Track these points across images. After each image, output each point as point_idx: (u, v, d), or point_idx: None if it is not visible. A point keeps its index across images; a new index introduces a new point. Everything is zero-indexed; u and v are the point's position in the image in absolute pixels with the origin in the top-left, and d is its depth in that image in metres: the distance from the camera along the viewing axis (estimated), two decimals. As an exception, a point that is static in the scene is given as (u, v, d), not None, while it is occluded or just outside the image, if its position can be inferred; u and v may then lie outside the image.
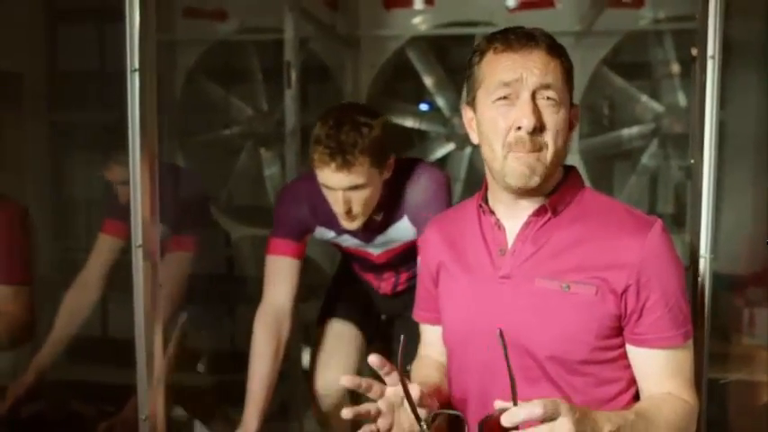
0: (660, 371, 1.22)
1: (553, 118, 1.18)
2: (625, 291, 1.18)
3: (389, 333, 2.19)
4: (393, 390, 1.12)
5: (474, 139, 1.28)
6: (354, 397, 2.07)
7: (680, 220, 3.03)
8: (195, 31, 3.37)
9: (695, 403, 1.23)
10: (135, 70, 1.38)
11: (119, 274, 2.17)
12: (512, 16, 3.05)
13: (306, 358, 2.76)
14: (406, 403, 1.08)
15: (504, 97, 1.19)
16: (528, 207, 1.25)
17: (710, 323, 1.45)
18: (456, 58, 3.34)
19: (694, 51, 1.46)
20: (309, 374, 2.08)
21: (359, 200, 1.67)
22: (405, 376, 1.08)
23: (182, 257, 2.15)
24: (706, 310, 1.43)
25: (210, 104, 3.46)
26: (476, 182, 1.32)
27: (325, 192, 1.69)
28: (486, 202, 1.31)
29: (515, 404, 0.94)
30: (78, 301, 2.21)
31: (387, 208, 1.80)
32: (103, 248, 2.23)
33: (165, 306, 1.53)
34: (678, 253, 1.23)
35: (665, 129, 3.07)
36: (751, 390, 2.31)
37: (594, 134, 3.22)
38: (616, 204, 1.29)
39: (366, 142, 1.61)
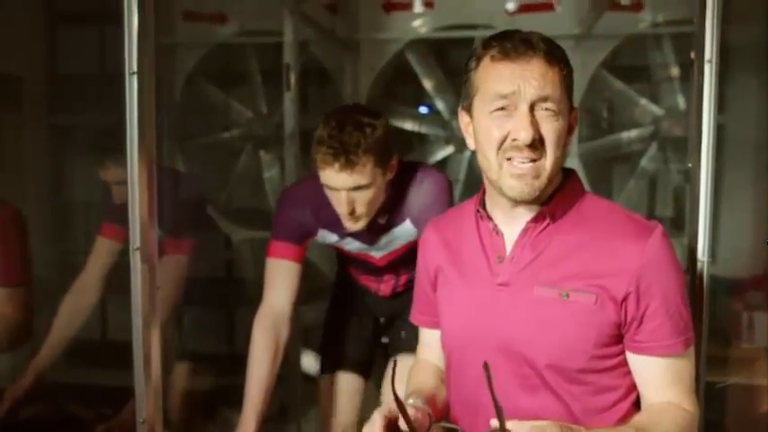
0: (660, 378, 1.20)
1: (551, 129, 1.16)
2: (625, 298, 1.17)
3: (388, 334, 2.19)
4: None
5: (471, 144, 1.26)
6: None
7: (679, 223, 3.02)
8: (195, 34, 3.37)
9: (695, 412, 1.22)
10: (133, 73, 1.38)
11: (117, 277, 2.18)
12: (511, 19, 3.06)
13: (305, 361, 2.77)
14: (403, 424, 1.10)
15: (502, 108, 1.16)
16: (526, 213, 1.23)
17: (709, 327, 1.45)
18: (455, 61, 3.34)
19: (693, 55, 1.47)
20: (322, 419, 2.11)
21: (362, 200, 1.66)
22: (399, 398, 1.10)
23: (178, 260, 2.15)
24: (704, 313, 1.43)
25: (210, 107, 3.47)
26: (475, 184, 1.32)
27: (329, 193, 1.69)
28: (484, 206, 1.29)
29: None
30: (77, 304, 2.21)
31: (390, 211, 1.79)
32: (102, 252, 2.23)
33: (162, 309, 1.53)
34: (678, 257, 1.22)
35: (663, 132, 3.07)
36: (750, 394, 2.31)
37: (594, 137, 3.22)
38: (616, 209, 1.27)
39: (369, 142, 1.61)
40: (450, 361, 1.35)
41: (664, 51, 3.06)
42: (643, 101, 3.11)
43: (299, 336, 2.69)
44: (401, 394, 1.43)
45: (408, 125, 3.32)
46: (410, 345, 1.59)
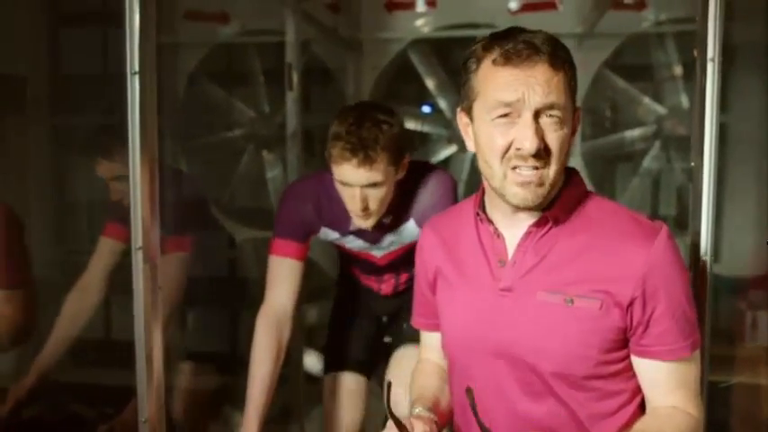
0: (666, 382, 1.18)
1: (556, 138, 1.13)
2: (631, 303, 1.14)
3: (391, 333, 2.19)
4: None
5: (470, 147, 1.23)
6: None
7: (682, 222, 3.02)
8: (197, 34, 3.37)
9: (700, 416, 1.20)
10: (135, 73, 1.38)
11: (120, 277, 2.18)
12: (514, 18, 3.05)
13: (308, 360, 2.77)
14: None
15: (505, 115, 1.12)
16: (528, 217, 1.20)
17: (712, 326, 1.44)
18: (458, 60, 3.29)
19: (696, 53, 1.46)
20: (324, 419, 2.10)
21: (375, 197, 1.66)
22: (400, 420, 1.11)
23: (179, 258, 2.15)
24: (707, 312, 1.43)
25: (213, 107, 3.47)
26: (477, 184, 1.30)
27: (341, 189, 1.68)
28: (484, 209, 1.26)
29: None
30: (79, 304, 2.22)
31: (395, 210, 1.79)
32: (104, 251, 2.23)
33: (164, 306, 1.53)
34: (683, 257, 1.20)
35: (667, 131, 3.06)
36: (753, 393, 2.31)
37: (597, 136, 3.21)
38: (620, 211, 1.23)
39: (386, 139, 1.61)
40: (452, 366, 1.33)
41: (667, 50, 3.06)
42: (646, 100, 3.10)
43: (302, 335, 2.69)
44: (403, 391, 1.44)
45: (411, 124, 3.32)
46: (411, 337, 1.59)
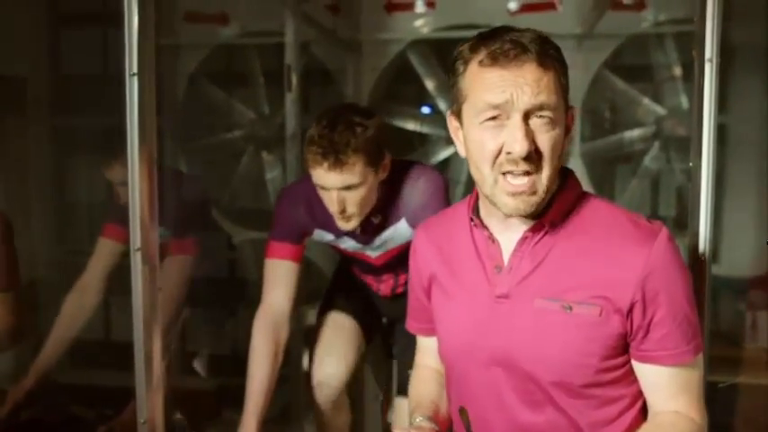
0: (668, 388, 1.15)
1: (547, 139, 1.09)
2: (631, 309, 1.11)
3: (390, 337, 2.19)
4: None
5: (461, 151, 1.19)
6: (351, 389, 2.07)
7: (682, 223, 3.02)
8: (197, 35, 3.37)
9: (703, 422, 1.17)
10: (133, 74, 1.38)
11: (119, 278, 2.18)
12: (513, 19, 3.05)
13: (307, 361, 2.77)
14: None
15: (493, 118, 1.09)
16: (523, 221, 1.17)
17: (711, 327, 1.44)
18: (457, 61, 3.33)
19: (694, 54, 1.46)
20: (309, 365, 2.07)
21: (353, 200, 1.67)
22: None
23: (182, 261, 2.15)
24: (705, 313, 1.43)
25: (212, 108, 3.47)
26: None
27: (320, 192, 1.69)
28: (478, 214, 1.23)
29: None
30: (78, 305, 2.22)
31: (385, 210, 1.80)
32: (103, 252, 2.24)
33: (165, 309, 1.53)
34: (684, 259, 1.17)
35: (666, 131, 3.06)
36: (752, 393, 2.30)
37: (596, 137, 3.21)
38: (617, 213, 1.19)
39: (359, 142, 1.61)
40: (450, 375, 1.31)
41: (666, 50, 3.06)
42: (645, 100, 3.10)
43: (301, 336, 2.69)
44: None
45: (410, 125, 3.32)
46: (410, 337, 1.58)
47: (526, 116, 1.08)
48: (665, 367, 1.14)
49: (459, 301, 1.25)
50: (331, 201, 1.67)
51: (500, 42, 1.09)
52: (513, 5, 3.09)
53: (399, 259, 1.91)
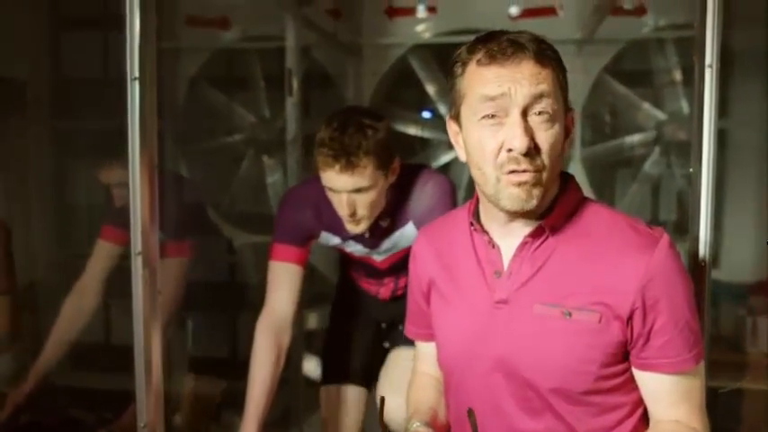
0: (669, 396, 1.14)
1: (547, 136, 1.08)
2: (631, 316, 1.10)
3: (389, 339, 2.18)
4: None
5: (461, 156, 1.18)
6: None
7: (682, 227, 3.02)
8: (198, 39, 3.38)
9: (705, 431, 1.16)
10: (135, 78, 1.38)
11: (119, 281, 2.18)
12: (514, 24, 3.06)
13: (308, 365, 2.76)
14: None
15: (492, 115, 1.08)
16: (523, 226, 1.16)
17: (711, 331, 1.44)
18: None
19: (695, 59, 1.46)
20: None
21: (363, 202, 1.66)
22: None
23: (179, 264, 2.15)
24: (706, 318, 1.43)
25: (213, 112, 3.48)
26: (477, 189, 1.28)
27: (330, 195, 1.68)
28: (478, 218, 1.22)
29: None
30: (77, 307, 2.22)
31: (392, 214, 1.79)
32: (102, 255, 2.24)
33: (163, 310, 1.53)
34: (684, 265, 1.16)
35: (667, 136, 3.06)
36: (753, 398, 2.30)
37: (596, 142, 3.22)
38: (618, 219, 1.18)
39: (370, 144, 1.61)
40: (448, 381, 1.30)
41: (666, 55, 3.06)
42: (646, 105, 3.11)
43: (302, 340, 2.69)
44: (401, 399, 1.43)
45: (411, 130, 3.33)
46: (409, 340, 1.58)
47: (524, 113, 1.08)
48: (666, 375, 1.13)
49: (458, 306, 1.24)
50: (341, 203, 1.66)
51: (498, 42, 1.09)
52: (514, 10, 3.10)
53: (403, 263, 1.90)
